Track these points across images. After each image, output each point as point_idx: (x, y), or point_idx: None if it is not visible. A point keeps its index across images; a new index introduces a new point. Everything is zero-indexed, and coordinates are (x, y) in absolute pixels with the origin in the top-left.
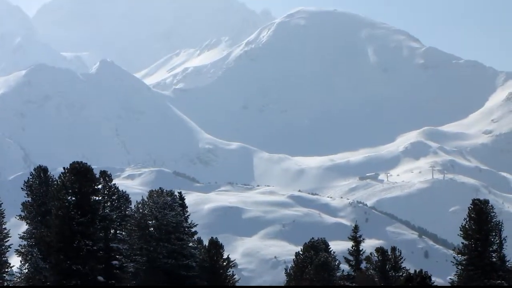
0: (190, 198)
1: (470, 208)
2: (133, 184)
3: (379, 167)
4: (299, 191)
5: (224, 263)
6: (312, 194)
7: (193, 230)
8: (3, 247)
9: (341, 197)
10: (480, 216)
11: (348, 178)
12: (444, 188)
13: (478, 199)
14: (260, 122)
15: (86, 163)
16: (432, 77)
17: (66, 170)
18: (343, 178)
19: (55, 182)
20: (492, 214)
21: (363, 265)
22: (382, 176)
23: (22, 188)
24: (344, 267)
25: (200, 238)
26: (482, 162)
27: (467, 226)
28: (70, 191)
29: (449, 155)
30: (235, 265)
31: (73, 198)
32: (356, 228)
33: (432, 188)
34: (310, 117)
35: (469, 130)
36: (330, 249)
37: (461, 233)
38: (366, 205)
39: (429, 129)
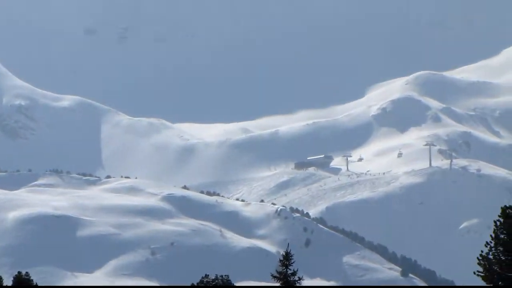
0: None
1: (497, 224)
2: None
3: (333, 144)
4: (184, 187)
5: None
6: (209, 193)
7: None
8: None
9: (262, 200)
10: None
11: (276, 164)
12: (451, 185)
13: (511, 207)
14: (117, 59)
15: None
16: None
17: None
18: (266, 164)
19: None
20: None
21: None
22: (337, 162)
23: None
24: None
25: None
26: None
27: (492, 256)
28: None
29: (462, 123)
30: None
31: None
32: (287, 258)
33: (429, 185)
34: (207, 52)
35: (500, 78)
36: None
37: (481, 267)
38: (307, 215)
39: (426, 75)
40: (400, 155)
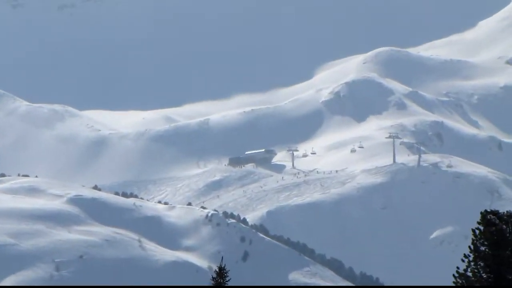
0: None
1: (477, 233)
2: None
3: (275, 136)
4: (95, 187)
5: None
6: (125, 195)
7: None
8: None
9: (189, 203)
10: (499, 245)
11: (206, 160)
12: (420, 186)
13: (494, 212)
14: (11, 32)
15: None
16: None
17: None
18: (194, 160)
19: None
20: None
21: None
22: (281, 158)
23: None
24: None
25: None
26: (506, 130)
27: (470, 273)
28: None
29: (432, 111)
30: None
31: None
32: (220, 275)
33: (393, 186)
34: (123, 24)
35: (477, 56)
36: None
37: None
38: (244, 221)
39: (388, 52)
40: (353, 150)
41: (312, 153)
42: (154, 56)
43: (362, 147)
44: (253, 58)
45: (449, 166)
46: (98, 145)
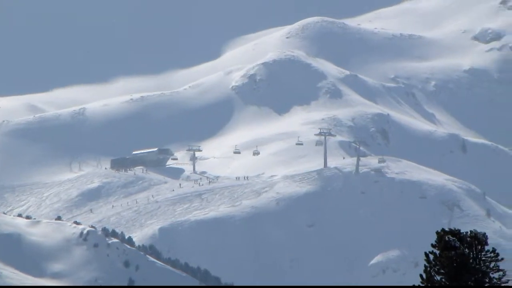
0: None
1: (431, 259)
2: None
3: (171, 132)
4: None
5: None
6: None
7: None
8: None
9: (58, 217)
10: (460, 274)
11: (81, 161)
12: (358, 197)
13: (454, 232)
14: None
15: None
16: None
17: None
18: (65, 161)
19: None
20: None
21: None
22: (179, 159)
23: None
24: None
25: None
26: (471, 127)
27: None
28: None
29: (375, 100)
30: None
31: None
32: None
33: (323, 197)
34: None
35: (435, 30)
36: None
37: None
38: (129, 241)
39: (319, 23)
40: (256, 153)
41: (200, 157)
42: (13, 27)
43: (301, 143)
44: (141, 31)
45: (397, 173)
46: None
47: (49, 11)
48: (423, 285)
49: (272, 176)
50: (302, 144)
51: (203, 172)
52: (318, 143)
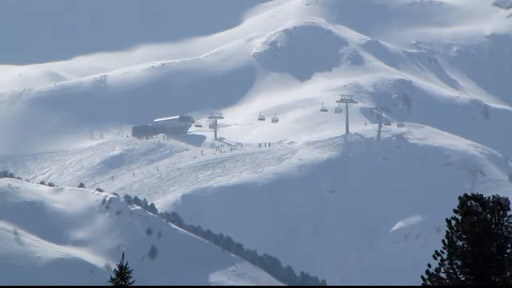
0: None
1: (453, 224)
2: None
3: (193, 99)
4: None
5: None
6: None
7: None
8: None
9: (81, 185)
10: (482, 239)
11: (103, 128)
12: (380, 163)
13: (476, 197)
14: None
15: None
16: None
17: None
18: (87, 128)
19: None
20: None
21: None
22: (201, 127)
23: None
24: None
25: None
26: (494, 92)
27: (445, 274)
28: None
29: (397, 66)
30: None
31: None
32: (121, 276)
33: (345, 163)
34: None
35: None
36: None
37: None
38: (152, 208)
39: None
40: (275, 120)
41: (220, 122)
42: None
43: (326, 110)
44: (162, 0)
45: (419, 138)
46: None
47: None
48: (444, 251)
49: (292, 142)
50: (326, 110)
51: (224, 139)
52: (337, 110)
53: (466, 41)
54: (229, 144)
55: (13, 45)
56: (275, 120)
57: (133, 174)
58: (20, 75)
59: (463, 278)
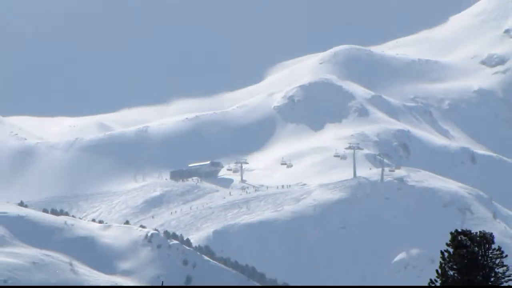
0: None
1: (445, 256)
2: None
3: (222, 146)
4: (21, 203)
5: None
6: (55, 212)
7: None
8: None
9: (126, 222)
10: (470, 269)
11: (145, 173)
12: (383, 203)
13: (465, 232)
14: None
15: None
16: None
17: None
18: (131, 172)
19: None
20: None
21: None
22: (228, 171)
23: None
24: None
25: None
26: (480, 141)
27: None
28: None
29: (397, 118)
30: None
31: None
32: None
33: (353, 203)
34: (46, 24)
35: (449, 56)
36: None
37: None
38: (187, 242)
39: (348, 50)
40: (290, 166)
41: (245, 167)
42: (85, 56)
43: (338, 155)
44: (195, 59)
45: (417, 181)
46: (24, 156)
47: (111, 43)
48: (437, 280)
49: (309, 185)
50: (339, 156)
51: (245, 181)
52: (342, 157)
53: (456, 96)
54: (253, 186)
55: (67, 99)
56: (289, 166)
57: (171, 212)
58: (73, 126)
59: None
